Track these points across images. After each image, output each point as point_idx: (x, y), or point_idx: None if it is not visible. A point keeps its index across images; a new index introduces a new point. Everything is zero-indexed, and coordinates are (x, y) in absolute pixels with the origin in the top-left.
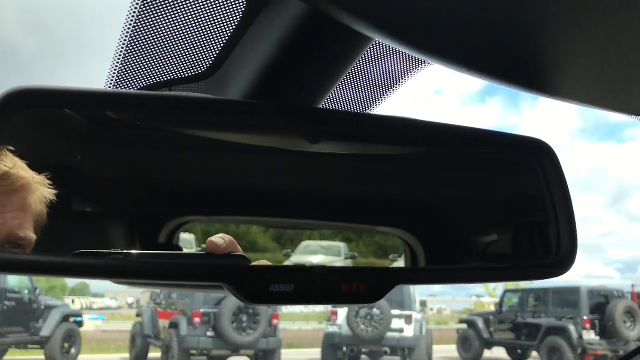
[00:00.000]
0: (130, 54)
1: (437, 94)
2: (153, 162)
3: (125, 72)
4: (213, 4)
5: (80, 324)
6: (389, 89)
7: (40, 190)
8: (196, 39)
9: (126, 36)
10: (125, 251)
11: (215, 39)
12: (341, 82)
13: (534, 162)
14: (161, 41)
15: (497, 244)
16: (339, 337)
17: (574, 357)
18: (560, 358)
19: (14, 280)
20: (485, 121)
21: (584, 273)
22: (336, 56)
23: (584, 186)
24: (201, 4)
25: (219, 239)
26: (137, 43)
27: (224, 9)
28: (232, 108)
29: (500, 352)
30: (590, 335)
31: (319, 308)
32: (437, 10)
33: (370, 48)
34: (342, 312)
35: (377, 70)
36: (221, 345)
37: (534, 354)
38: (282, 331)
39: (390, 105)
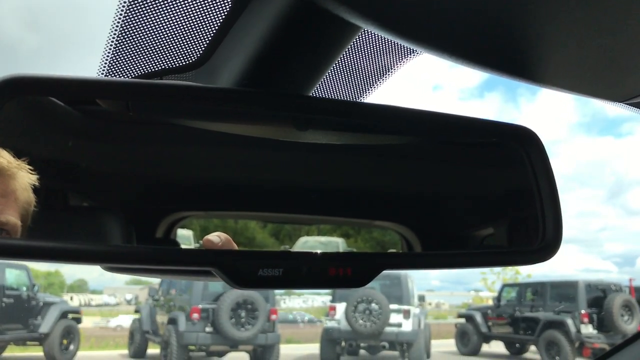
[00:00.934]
0: (121, 44)
1: (436, 89)
2: (147, 156)
3: (117, 62)
4: None
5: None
6: (379, 78)
7: (21, 175)
8: (186, 29)
9: (117, 26)
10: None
11: (205, 28)
12: (331, 71)
13: (520, 149)
14: (152, 31)
15: (493, 237)
16: (338, 332)
17: (572, 351)
18: (558, 352)
19: (12, 277)
20: (484, 116)
21: (582, 267)
22: (325, 45)
23: (582, 180)
24: None
25: (215, 237)
26: (127, 33)
27: None
28: (222, 95)
29: (498, 346)
30: (588, 329)
31: (318, 303)
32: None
33: (359, 37)
34: (341, 307)
35: (366, 59)
36: (220, 340)
37: (532, 347)
38: (280, 326)
39: (382, 96)
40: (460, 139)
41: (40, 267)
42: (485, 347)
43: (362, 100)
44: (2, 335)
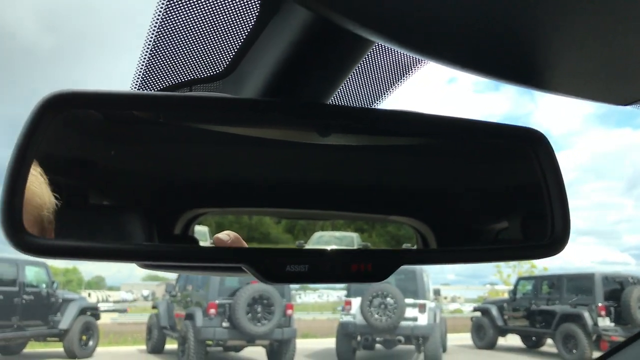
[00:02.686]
0: (154, 56)
1: (451, 82)
2: (170, 156)
3: (149, 73)
4: (229, 11)
5: None
6: (393, 84)
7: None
8: (214, 43)
9: (150, 40)
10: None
11: (231, 42)
12: (348, 79)
13: (529, 150)
14: (182, 45)
15: (507, 231)
16: (353, 327)
17: (589, 344)
18: (575, 345)
19: (31, 275)
20: (500, 109)
21: (599, 259)
22: (342, 57)
23: (600, 172)
24: (218, 11)
25: (225, 235)
26: (160, 46)
27: (238, 15)
28: (248, 106)
29: (514, 339)
30: (605, 322)
31: (333, 298)
32: (433, 14)
33: (374, 48)
34: (356, 301)
35: (381, 67)
36: (236, 335)
37: (549, 341)
38: (296, 321)
39: (397, 99)
40: (474, 142)
41: (59, 264)
42: (502, 341)
43: (378, 105)
44: (23, 331)
